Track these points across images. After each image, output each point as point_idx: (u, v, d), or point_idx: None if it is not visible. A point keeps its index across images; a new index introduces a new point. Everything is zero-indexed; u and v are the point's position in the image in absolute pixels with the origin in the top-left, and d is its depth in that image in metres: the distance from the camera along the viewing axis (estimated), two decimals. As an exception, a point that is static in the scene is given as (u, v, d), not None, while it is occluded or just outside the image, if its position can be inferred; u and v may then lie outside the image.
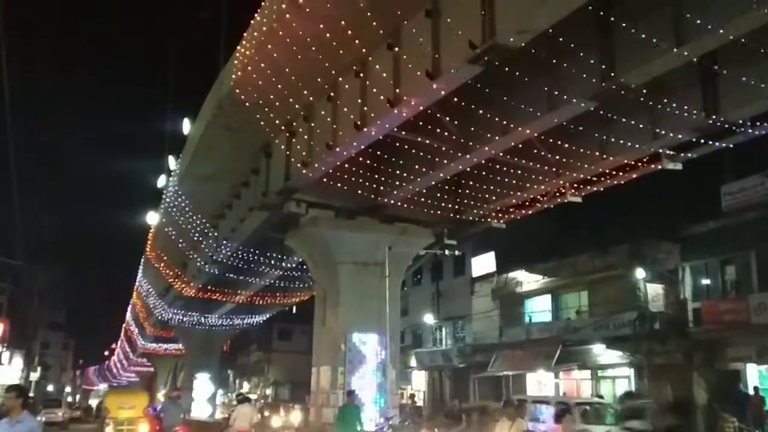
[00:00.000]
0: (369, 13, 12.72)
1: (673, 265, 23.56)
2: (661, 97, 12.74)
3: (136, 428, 22.74)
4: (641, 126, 13.51)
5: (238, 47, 16.33)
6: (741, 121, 12.93)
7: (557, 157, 16.57)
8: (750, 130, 13.02)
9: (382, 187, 19.49)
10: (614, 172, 16.12)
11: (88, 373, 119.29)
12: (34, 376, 53.98)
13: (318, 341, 21.70)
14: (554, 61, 11.56)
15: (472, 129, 15.56)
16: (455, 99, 14.02)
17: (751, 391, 20.55)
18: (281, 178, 18.70)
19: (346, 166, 17.50)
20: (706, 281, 23.01)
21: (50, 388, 76.66)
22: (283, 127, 18.34)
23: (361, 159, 17.99)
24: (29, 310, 48.90)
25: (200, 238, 26.06)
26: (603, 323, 25.12)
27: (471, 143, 15.73)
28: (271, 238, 24.22)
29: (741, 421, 19.30)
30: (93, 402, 74.74)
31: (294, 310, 42.36)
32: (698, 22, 10.23)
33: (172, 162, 25.51)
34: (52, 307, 63.78)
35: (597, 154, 15.52)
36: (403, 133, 16.01)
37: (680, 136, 13.65)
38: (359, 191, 19.13)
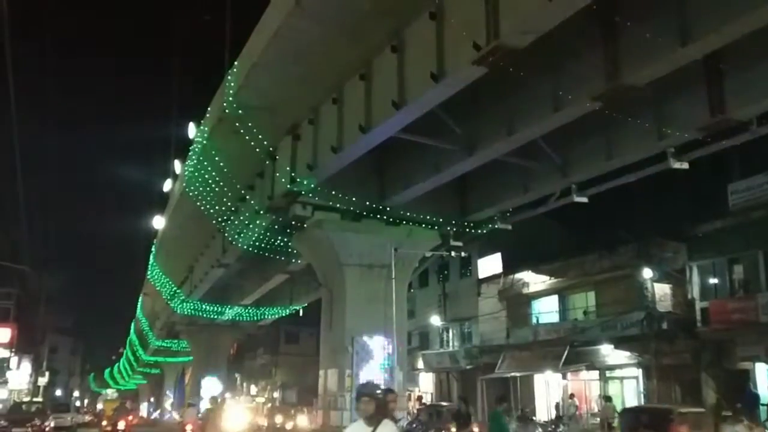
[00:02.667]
0: (373, 16, 12.75)
1: (681, 265, 23.45)
2: (666, 96, 12.73)
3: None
4: (647, 126, 13.49)
5: (243, 51, 16.37)
6: (747, 120, 12.88)
7: (563, 157, 16.56)
8: (756, 129, 12.97)
9: (387, 189, 19.51)
10: (620, 172, 16.09)
11: (96, 377, 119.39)
12: (42, 381, 54.07)
13: (325, 344, 21.70)
14: (559, 61, 11.55)
15: (478, 130, 15.57)
16: (460, 100, 14.03)
17: (760, 391, 20.45)
18: (287, 181, 18.72)
19: (352, 168, 17.51)
20: (713, 280, 22.89)
21: (58, 392, 76.85)
22: (288, 130, 18.38)
23: (366, 161, 18.01)
24: (37, 315, 49.02)
25: (206, 242, 26.11)
26: (611, 324, 25.02)
27: (476, 144, 15.74)
28: (277, 241, 24.26)
29: (750, 420, 19.19)
30: (101, 406, 75.14)
31: (301, 313, 42.41)
32: (703, 21, 10.21)
33: (177, 166, 25.57)
34: (61, 312, 63.99)
35: (603, 154, 15.50)
36: (408, 135, 16.01)
37: (686, 136, 13.61)
38: (365, 193, 19.15)
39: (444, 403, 29.85)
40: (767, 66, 11.62)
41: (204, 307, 38.37)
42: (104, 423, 34.08)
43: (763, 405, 19.80)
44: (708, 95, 13.02)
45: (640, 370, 24.20)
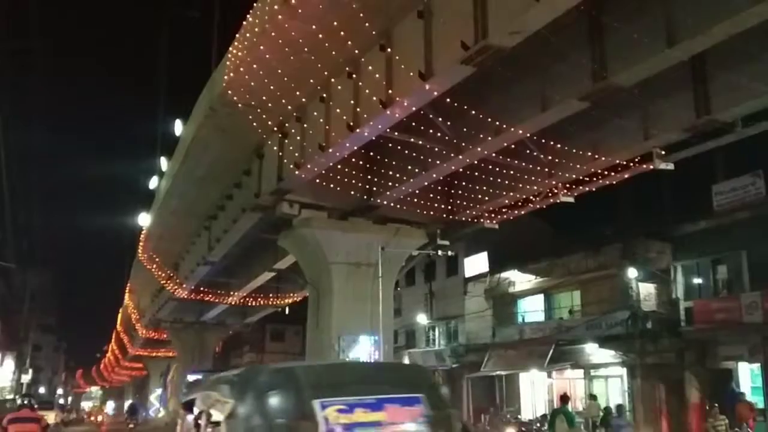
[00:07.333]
0: (362, 15, 12.73)
1: (665, 265, 23.61)
2: (652, 97, 12.82)
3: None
4: (633, 126, 13.58)
5: (231, 48, 16.31)
6: (732, 121, 12.99)
7: (549, 157, 16.62)
8: (741, 130, 13.08)
9: (374, 188, 19.50)
10: (606, 172, 16.17)
11: (79, 375, 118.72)
12: (26, 378, 53.71)
13: (311, 342, 21.68)
14: (547, 61, 11.59)
15: (465, 129, 15.59)
16: (448, 99, 14.06)
17: (743, 390, 20.63)
18: (274, 179, 18.68)
19: (339, 167, 17.50)
20: (698, 280, 23.06)
21: (42, 390, 76.33)
22: (275, 128, 18.32)
23: (353, 160, 18.01)
24: (21, 313, 48.64)
25: (192, 240, 26.00)
26: (595, 323, 25.15)
27: (464, 144, 15.75)
28: (263, 239, 24.20)
29: (731, 419, 19.35)
30: (84, 404, 74.77)
31: (287, 311, 42.27)
32: (689, 23, 10.28)
33: (164, 163, 25.44)
34: (44, 310, 63.52)
35: (589, 154, 15.58)
36: (396, 133, 16.03)
37: (672, 136, 13.72)
38: (352, 192, 19.13)
39: None
40: (752, 68, 11.71)
41: (189, 305, 38.26)
42: (92, 418, 47.79)
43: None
44: (694, 96, 13.13)
45: (625, 369, 24.34)
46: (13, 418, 13.43)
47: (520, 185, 18.10)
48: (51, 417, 36.93)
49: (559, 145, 16.09)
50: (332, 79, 15.49)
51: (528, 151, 16.39)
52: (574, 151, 15.86)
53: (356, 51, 14.19)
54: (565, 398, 16.50)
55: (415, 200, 19.52)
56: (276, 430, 4.49)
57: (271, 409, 4.57)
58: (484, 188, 19.14)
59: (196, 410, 5.83)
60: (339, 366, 6.71)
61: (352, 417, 4.56)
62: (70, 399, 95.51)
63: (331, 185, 18.72)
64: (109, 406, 74.05)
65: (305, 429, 4.44)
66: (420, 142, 16.57)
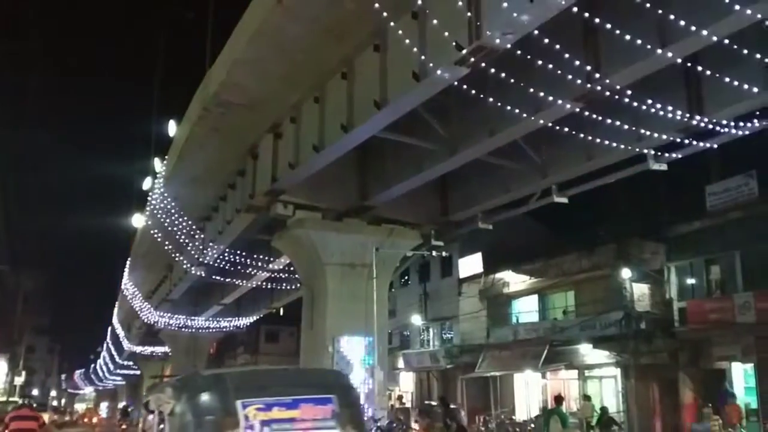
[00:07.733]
0: (355, 15, 12.73)
1: (659, 265, 23.68)
2: (646, 98, 12.82)
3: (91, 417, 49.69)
4: (626, 127, 13.58)
5: (225, 48, 16.29)
6: (725, 122, 13.02)
7: (543, 158, 16.65)
8: (734, 131, 13.11)
9: (369, 189, 19.51)
10: (600, 173, 16.20)
11: (74, 377, 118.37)
12: (19, 380, 53.53)
13: (305, 343, 21.65)
14: (540, 62, 11.58)
15: (460, 130, 15.62)
16: (442, 100, 14.05)
17: (736, 390, 20.69)
18: (268, 179, 18.65)
19: (333, 167, 17.48)
20: (691, 281, 23.14)
21: (35, 392, 76.12)
22: (269, 129, 18.31)
23: (348, 160, 17.99)
24: (14, 314, 48.46)
25: (186, 241, 25.90)
26: (589, 323, 25.19)
27: (458, 144, 15.77)
28: (258, 240, 24.18)
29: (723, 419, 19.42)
30: (78, 406, 74.71)
31: (281, 312, 42.16)
32: (682, 24, 10.30)
33: (157, 164, 25.35)
34: (38, 311, 63.23)
35: (583, 154, 15.61)
36: (391, 134, 16.02)
37: (665, 137, 13.73)
38: (346, 193, 19.13)
39: (434, 403, 30.01)
40: (745, 68, 11.74)
41: (183, 306, 38.15)
42: (86, 420, 49.08)
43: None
44: (687, 97, 13.17)
45: (619, 370, 24.40)
46: (15, 416, 14.54)
47: (514, 186, 18.13)
48: (45, 418, 36.95)
49: (552, 146, 16.13)
50: (326, 80, 15.49)
51: (522, 152, 16.42)
52: (567, 151, 15.89)
53: (350, 51, 14.20)
54: (559, 399, 16.56)
55: (410, 201, 19.53)
56: (204, 425, 5.45)
57: (201, 408, 5.55)
58: (479, 189, 19.17)
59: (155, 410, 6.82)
60: (262, 371, 7.97)
61: (270, 414, 5.46)
62: (63, 401, 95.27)
63: (326, 186, 18.71)
64: (103, 408, 73.93)
65: (228, 425, 5.34)
66: (414, 143, 16.58)
